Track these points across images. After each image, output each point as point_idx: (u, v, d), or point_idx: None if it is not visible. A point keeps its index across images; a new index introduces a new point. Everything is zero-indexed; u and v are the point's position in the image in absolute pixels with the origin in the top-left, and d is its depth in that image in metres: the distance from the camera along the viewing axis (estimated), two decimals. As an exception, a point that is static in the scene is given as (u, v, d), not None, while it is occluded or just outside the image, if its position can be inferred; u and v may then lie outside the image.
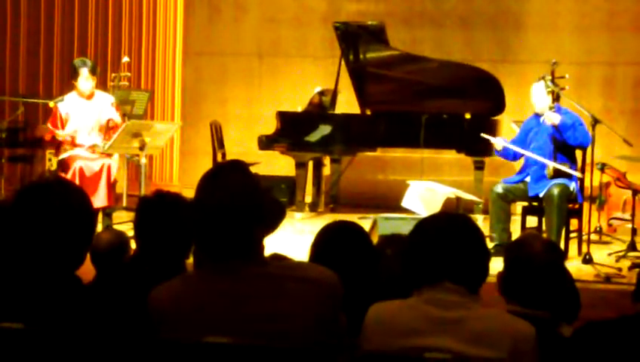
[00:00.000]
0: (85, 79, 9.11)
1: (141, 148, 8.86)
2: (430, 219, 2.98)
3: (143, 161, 8.97)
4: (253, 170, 3.01)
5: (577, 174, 8.36)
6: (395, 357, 2.80)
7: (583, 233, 8.58)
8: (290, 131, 10.49)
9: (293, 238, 8.58)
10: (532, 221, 8.63)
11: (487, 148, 9.50)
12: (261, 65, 12.57)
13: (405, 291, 2.91)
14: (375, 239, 4.12)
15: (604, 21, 11.82)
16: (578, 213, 8.54)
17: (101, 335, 2.63)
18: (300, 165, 10.55)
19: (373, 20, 10.95)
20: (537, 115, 8.52)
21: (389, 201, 10.21)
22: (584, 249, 8.30)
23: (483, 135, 9.02)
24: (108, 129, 9.25)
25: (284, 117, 10.61)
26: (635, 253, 8.49)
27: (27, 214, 2.73)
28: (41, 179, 7.99)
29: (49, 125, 9.23)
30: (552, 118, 8.17)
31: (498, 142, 8.75)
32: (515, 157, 8.83)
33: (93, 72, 9.15)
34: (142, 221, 3.86)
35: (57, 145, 9.23)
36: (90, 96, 9.19)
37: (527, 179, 8.46)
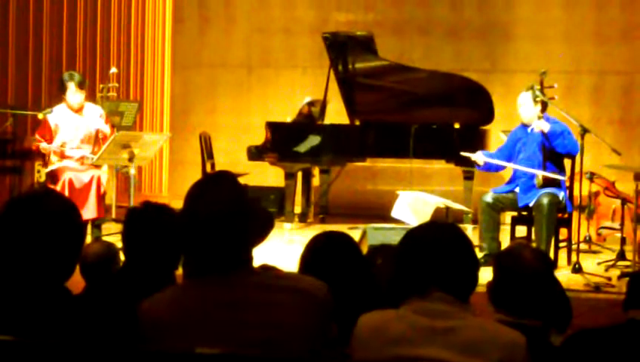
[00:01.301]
0: (73, 93, 9.10)
1: (130, 160, 8.85)
2: (419, 229, 2.98)
3: (132, 172, 8.96)
4: (242, 180, 3.01)
5: (563, 178, 8.35)
6: (386, 366, 2.80)
7: (573, 242, 8.59)
8: (280, 142, 10.50)
9: (282, 249, 8.59)
10: (521, 230, 8.64)
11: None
12: (250, 76, 12.58)
13: (395, 301, 2.91)
14: (365, 249, 4.13)
15: (593, 30, 11.86)
16: (567, 223, 8.56)
17: (91, 347, 2.62)
18: (289, 175, 10.55)
19: (362, 30, 10.97)
20: (524, 125, 8.53)
21: (378, 211, 10.21)
22: (574, 258, 8.30)
23: (463, 153, 9.02)
24: (97, 140, 9.24)
25: (273, 127, 10.61)
26: (625, 262, 8.49)
27: (16, 226, 2.72)
28: (30, 191, 7.96)
29: (36, 135, 9.23)
30: (541, 126, 8.19)
31: (478, 158, 8.75)
32: (498, 168, 8.86)
33: (80, 85, 9.13)
34: (130, 232, 3.86)
35: (43, 156, 9.20)
36: (79, 110, 9.18)
37: (517, 189, 8.46)
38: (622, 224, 9.05)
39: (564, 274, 7.88)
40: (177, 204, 3.26)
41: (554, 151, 8.28)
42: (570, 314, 3.83)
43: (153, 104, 12.67)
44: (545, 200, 8.17)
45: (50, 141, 9.10)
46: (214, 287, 2.78)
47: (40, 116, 9.27)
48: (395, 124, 10.34)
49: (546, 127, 8.18)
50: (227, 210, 2.78)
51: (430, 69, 10.59)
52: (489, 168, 8.85)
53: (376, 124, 10.49)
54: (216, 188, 2.83)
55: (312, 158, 10.57)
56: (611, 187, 9.96)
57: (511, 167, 8.58)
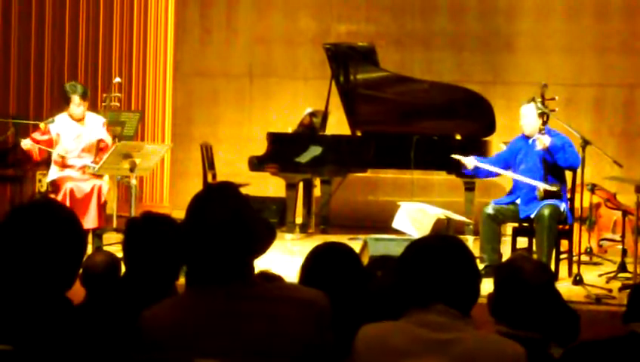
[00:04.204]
0: (77, 106, 9.14)
1: (131, 170, 8.84)
2: (420, 242, 2.98)
3: (134, 182, 8.96)
4: (243, 191, 3.01)
5: (554, 189, 8.32)
6: (386, 378, 2.80)
7: (574, 254, 8.58)
8: (281, 152, 10.49)
9: (283, 259, 8.57)
10: (522, 242, 8.63)
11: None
12: (252, 87, 12.59)
13: (396, 312, 2.91)
14: (365, 260, 4.12)
15: (594, 43, 11.87)
16: (568, 234, 8.54)
17: (91, 357, 2.62)
18: (291, 186, 10.54)
19: (363, 41, 10.98)
20: (525, 137, 8.54)
21: (379, 222, 10.19)
22: (574, 270, 8.30)
23: (454, 156, 9.01)
24: (98, 150, 9.25)
25: (274, 138, 10.61)
26: (626, 274, 8.48)
27: (17, 235, 2.71)
28: (32, 200, 7.96)
29: (32, 135, 9.25)
30: (543, 141, 8.17)
31: (469, 162, 8.75)
32: (489, 174, 8.85)
33: (83, 97, 9.16)
34: (131, 242, 3.86)
35: (24, 153, 9.21)
36: (81, 119, 9.20)
37: (518, 201, 8.46)
38: (623, 236, 9.05)
39: (564, 286, 7.87)
40: (178, 214, 3.26)
41: (555, 164, 8.28)
42: (577, 329, 3.83)
43: (155, 114, 12.67)
44: (546, 212, 8.17)
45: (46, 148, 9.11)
46: (215, 297, 2.79)
47: (42, 126, 9.27)
48: (397, 135, 10.33)
49: (547, 141, 8.17)
50: (229, 221, 2.78)
51: (431, 80, 10.59)
52: (477, 173, 8.84)
53: (377, 135, 10.49)
54: (219, 199, 2.84)
55: (313, 169, 10.57)
56: (612, 199, 9.97)
57: (505, 174, 8.55)
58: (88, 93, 9.36)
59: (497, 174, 8.82)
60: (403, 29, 12.25)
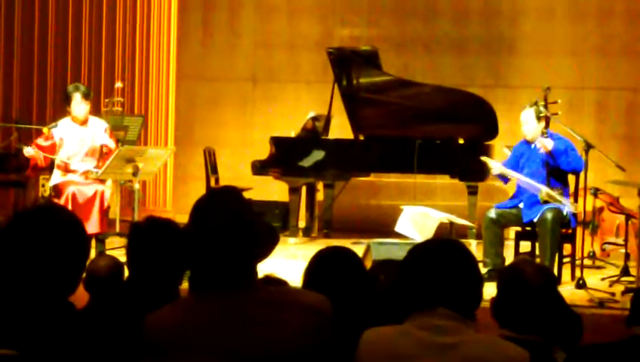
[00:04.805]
0: (78, 104, 9.11)
1: (134, 174, 8.85)
2: (423, 246, 2.98)
3: (137, 186, 8.96)
4: (246, 195, 3.01)
5: (568, 203, 8.30)
6: (389, 382, 2.80)
7: (577, 258, 8.58)
8: (284, 156, 10.50)
9: (286, 263, 8.57)
10: (525, 246, 8.63)
11: (480, 174, 9.53)
12: (254, 91, 12.60)
13: (399, 316, 2.91)
14: (369, 264, 4.12)
15: (597, 46, 11.88)
16: (571, 238, 8.55)
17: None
18: (294, 190, 10.55)
19: (365, 45, 10.98)
20: (527, 141, 8.53)
21: (382, 226, 10.20)
22: (577, 274, 8.30)
23: (482, 158, 8.97)
24: (102, 155, 9.25)
25: (277, 142, 10.62)
26: (629, 277, 8.48)
27: (20, 240, 2.72)
28: (36, 205, 7.97)
29: (35, 141, 9.24)
30: (545, 144, 8.17)
31: (495, 166, 8.72)
32: (506, 180, 8.84)
33: (86, 96, 9.15)
34: (134, 247, 3.86)
35: (28, 160, 9.20)
36: (84, 122, 9.19)
37: (521, 205, 8.45)
38: (626, 239, 9.04)
39: (567, 290, 7.86)
40: (181, 218, 3.27)
41: (558, 168, 8.28)
42: (580, 332, 3.83)
43: (157, 118, 12.69)
44: (549, 216, 8.17)
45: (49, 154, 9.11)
46: (218, 302, 2.79)
47: (45, 130, 9.27)
48: (399, 139, 10.32)
49: (549, 144, 8.17)
50: (232, 225, 2.78)
51: (434, 84, 10.59)
52: (502, 177, 8.79)
53: (380, 139, 10.49)
54: (221, 203, 2.83)
55: (316, 173, 10.57)
56: (615, 202, 9.97)
57: (525, 180, 8.50)
58: (91, 95, 9.34)
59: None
60: (405, 33, 12.27)
